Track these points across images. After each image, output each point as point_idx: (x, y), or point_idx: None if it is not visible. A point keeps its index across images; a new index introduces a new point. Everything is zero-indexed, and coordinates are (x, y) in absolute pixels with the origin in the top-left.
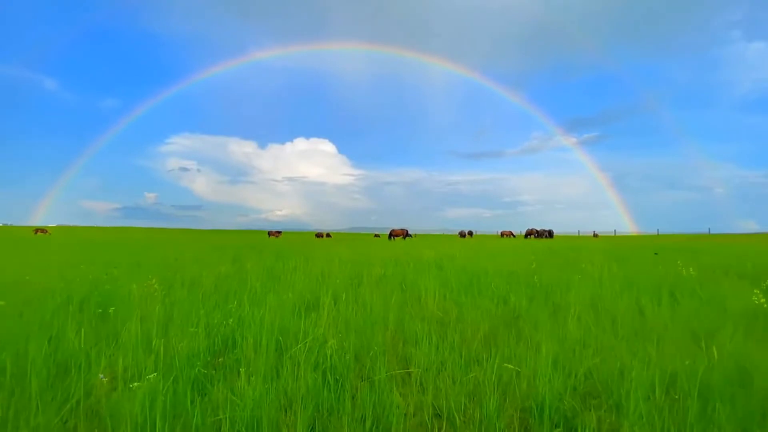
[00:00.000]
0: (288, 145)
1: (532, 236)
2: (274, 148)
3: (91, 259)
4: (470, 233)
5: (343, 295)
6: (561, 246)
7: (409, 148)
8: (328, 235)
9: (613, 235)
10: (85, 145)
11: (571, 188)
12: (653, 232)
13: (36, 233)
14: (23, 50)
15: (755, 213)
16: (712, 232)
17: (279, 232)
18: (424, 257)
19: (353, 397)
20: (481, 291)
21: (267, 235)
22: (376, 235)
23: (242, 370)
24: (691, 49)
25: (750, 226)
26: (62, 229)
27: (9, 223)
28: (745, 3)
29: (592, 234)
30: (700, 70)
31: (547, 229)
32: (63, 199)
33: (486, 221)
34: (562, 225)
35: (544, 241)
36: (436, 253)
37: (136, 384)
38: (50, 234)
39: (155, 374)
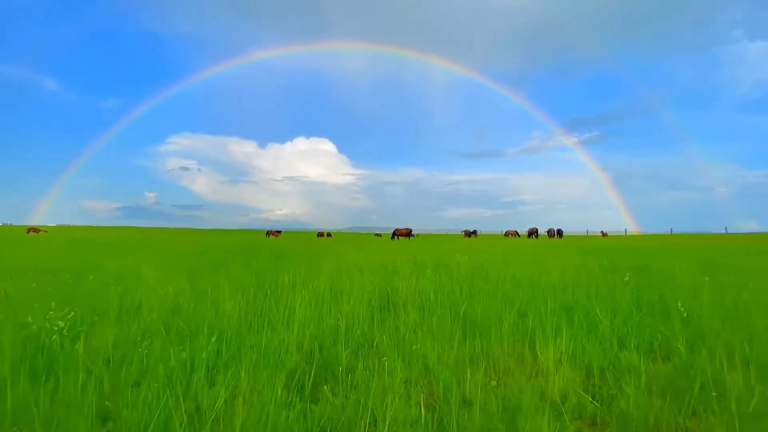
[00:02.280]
0: (288, 145)
1: (534, 236)
2: (274, 148)
3: (44, 263)
4: (474, 233)
5: (375, 339)
6: (587, 246)
7: (410, 148)
8: (328, 234)
9: (624, 234)
10: (86, 144)
11: (571, 188)
12: (654, 231)
13: (29, 233)
14: (23, 50)
15: (756, 213)
16: (728, 231)
17: (279, 232)
18: (453, 262)
19: None
20: (592, 325)
21: (265, 235)
22: (377, 235)
23: None
24: (692, 49)
25: (751, 225)
26: (60, 229)
27: (9, 222)
28: (747, 2)
29: (601, 233)
30: (701, 70)
31: (556, 228)
32: (63, 199)
33: (486, 221)
34: (563, 224)
35: (557, 241)
36: (469, 257)
37: None
38: (42, 233)
39: None
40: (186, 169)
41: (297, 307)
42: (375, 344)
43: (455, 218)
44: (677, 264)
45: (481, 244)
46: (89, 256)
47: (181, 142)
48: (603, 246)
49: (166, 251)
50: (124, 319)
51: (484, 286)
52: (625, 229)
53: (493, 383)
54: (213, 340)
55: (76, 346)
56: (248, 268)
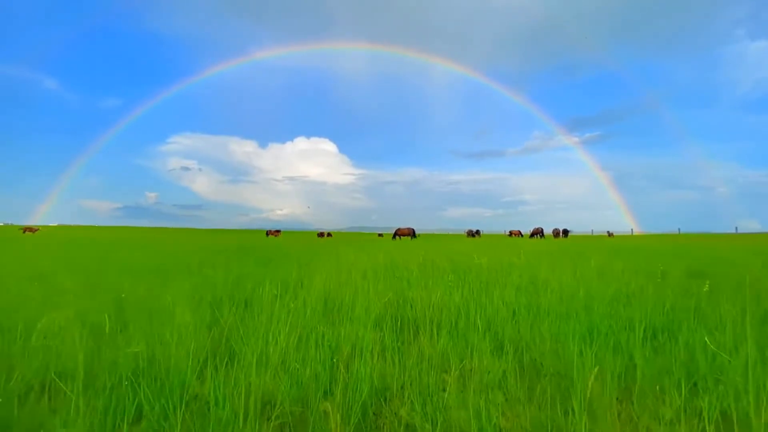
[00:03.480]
0: (288, 145)
1: (539, 236)
2: (274, 148)
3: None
4: (478, 232)
5: (392, 392)
6: (602, 247)
7: (410, 148)
8: (329, 234)
9: (631, 234)
10: (86, 144)
11: (572, 188)
12: (656, 231)
13: (24, 232)
14: (23, 50)
15: (758, 212)
16: (739, 231)
17: (278, 231)
18: (471, 265)
19: None
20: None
21: (265, 235)
22: (379, 235)
23: None
24: (694, 48)
25: (753, 225)
26: (59, 229)
27: (10, 222)
28: (749, 1)
29: (607, 233)
30: (702, 69)
31: (561, 228)
32: (64, 199)
33: (486, 221)
34: (563, 224)
35: (565, 242)
36: (487, 259)
37: None
38: (35, 233)
39: None
40: (186, 168)
41: (279, 331)
42: (391, 402)
43: (456, 218)
44: (734, 269)
45: (488, 244)
46: (61, 258)
47: (181, 141)
48: (620, 247)
49: (150, 252)
50: (24, 359)
51: (521, 297)
52: (632, 229)
53: None
54: (134, 401)
55: None
56: (228, 271)
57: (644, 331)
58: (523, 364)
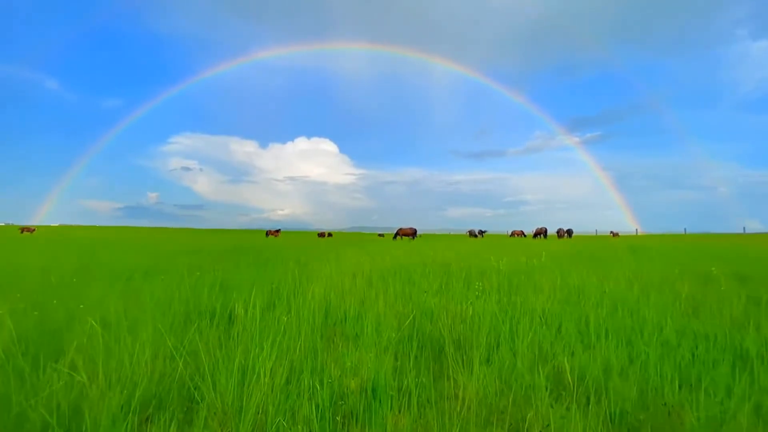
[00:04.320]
0: (289, 145)
1: (542, 236)
2: (275, 148)
3: None
4: (481, 233)
5: None
6: (615, 247)
7: (411, 148)
8: (329, 234)
9: (635, 234)
10: (87, 145)
11: (573, 188)
12: (656, 231)
13: (22, 232)
14: (24, 50)
15: (759, 212)
16: (747, 231)
17: (278, 231)
18: (490, 267)
19: None
20: None
21: (265, 235)
22: (380, 235)
23: None
24: (695, 48)
25: (754, 225)
26: (58, 229)
27: (11, 222)
28: (750, 0)
29: (610, 234)
30: (704, 69)
31: (565, 228)
32: (66, 199)
33: (487, 221)
34: (564, 224)
35: (570, 241)
36: (507, 261)
37: None
38: (33, 233)
39: None
40: (187, 169)
41: (263, 361)
42: None
43: (456, 218)
44: None
45: (493, 245)
46: (45, 260)
47: (182, 142)
48: (633, 248)
49: (142, 253)
50: None
51: (557, 307)
52: (636, 230)
53: None
54: None
55: None
56: (216, 276)
57: (739, 360)
58: (611, 420)
